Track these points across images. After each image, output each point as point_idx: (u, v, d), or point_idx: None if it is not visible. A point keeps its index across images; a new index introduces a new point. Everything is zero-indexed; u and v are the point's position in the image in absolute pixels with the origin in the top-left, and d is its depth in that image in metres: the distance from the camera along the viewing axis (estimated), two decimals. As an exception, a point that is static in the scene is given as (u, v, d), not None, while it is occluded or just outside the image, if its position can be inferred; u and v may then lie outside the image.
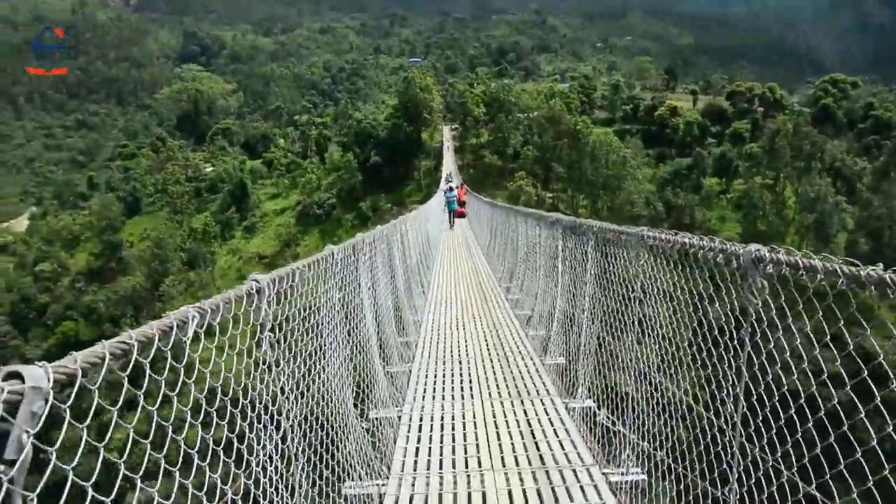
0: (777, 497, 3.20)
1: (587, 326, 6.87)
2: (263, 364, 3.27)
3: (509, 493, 5.01)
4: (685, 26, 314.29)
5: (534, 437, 6.05)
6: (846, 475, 2.62)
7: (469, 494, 5.00)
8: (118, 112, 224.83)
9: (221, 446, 2.62)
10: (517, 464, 5.50)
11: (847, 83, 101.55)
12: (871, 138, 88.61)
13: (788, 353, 3.12)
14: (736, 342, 3.51)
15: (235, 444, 2.76)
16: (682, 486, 4.37)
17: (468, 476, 5.34)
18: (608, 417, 5.92)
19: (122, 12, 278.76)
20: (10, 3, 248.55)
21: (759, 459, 3.37)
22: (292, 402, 3.72)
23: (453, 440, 6.17)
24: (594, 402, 6.56)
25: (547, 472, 5.27)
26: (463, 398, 7.42)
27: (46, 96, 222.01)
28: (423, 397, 7.53)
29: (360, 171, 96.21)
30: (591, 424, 6.33)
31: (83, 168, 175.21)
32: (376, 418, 6.40)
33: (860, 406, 2.52)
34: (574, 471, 5.27)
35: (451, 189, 39.58)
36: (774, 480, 3.21)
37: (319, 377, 4.43)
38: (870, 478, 2.53)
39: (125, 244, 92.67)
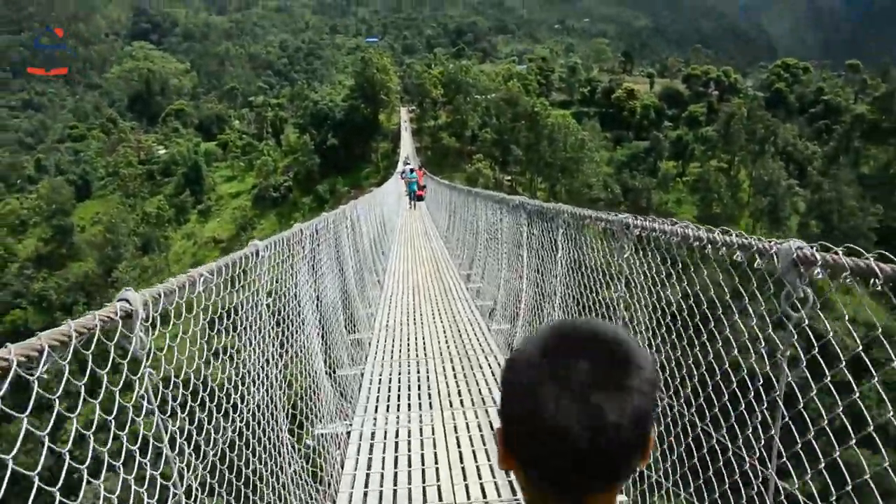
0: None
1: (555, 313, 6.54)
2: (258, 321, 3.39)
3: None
4: (642, 9, 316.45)
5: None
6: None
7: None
8: (66, 92, 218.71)
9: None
10: (483, 494, 4.79)
11: (799, 68, 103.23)
12: (822, 123, 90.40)
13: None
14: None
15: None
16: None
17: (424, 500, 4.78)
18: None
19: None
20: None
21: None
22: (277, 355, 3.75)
23: (409, 463, 5.41)
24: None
25: (514, 488, 4.69)
26: (420, 409, 6.64)
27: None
28: (377, 408, 6.64)
29: (317, 153, 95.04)
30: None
31: (31, 150, 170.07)
32: (321, 434, 5.64)
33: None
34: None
35: (411, 170, 39.38)
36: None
37: (297, 332, 4.57)
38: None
39: (76, 229, 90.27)
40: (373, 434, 6.10)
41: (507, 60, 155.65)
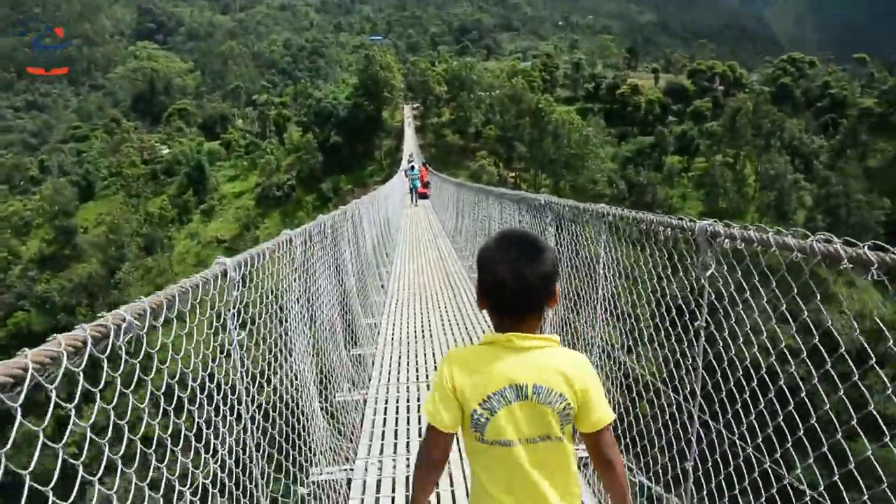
0: (733, 471, 3.36)
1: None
2: (227, 347, 3.22)
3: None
4: (646, 4, 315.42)
5: None
6: (805, 444, 2.69)
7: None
8: (70, 92, 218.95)
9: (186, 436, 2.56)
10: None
11: (805, 62, 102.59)
12: (828, 117, 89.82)
13: (748, 328, 3.21)
14: (688, 319, 3.52)
15: (200, 434, 2.70)
16: (643, 462, 4.30)
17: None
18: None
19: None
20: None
21: (717, 438, 3.46)
22: (254, 390, 3.54)
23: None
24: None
25: None
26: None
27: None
28: (381, 449, 6.02)
29: (320, 151, 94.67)
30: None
31: (35, 151, 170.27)
32: (315, 483, 5.26)
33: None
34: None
35: (412, 168, 38.97)
36: (731, 458, 3.34)
37: (285, 363, 4.33)
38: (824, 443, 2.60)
39: (79, 230, 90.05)
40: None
41: (511, 57, 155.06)
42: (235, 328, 3.36)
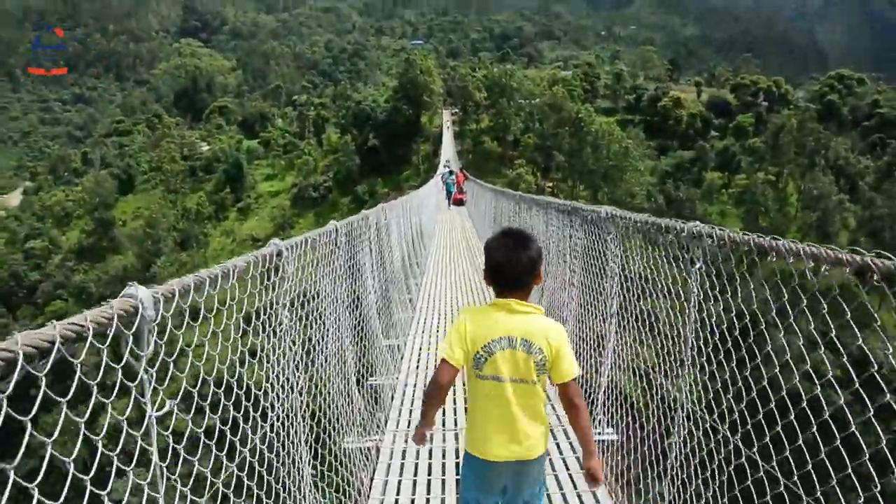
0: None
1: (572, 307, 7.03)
2: (278, 328, 3.57)
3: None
4: (690, 18, 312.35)
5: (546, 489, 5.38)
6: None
7: (456, 450, 5.27)
8: (116, 87, 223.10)
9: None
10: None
11: (853, 79, 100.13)
12: (876, 136, 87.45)
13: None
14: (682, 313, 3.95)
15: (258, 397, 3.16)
16: (638, 440, 4.73)
17: (456, 434, 5.79)
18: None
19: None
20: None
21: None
22: (301, 371, 3.95)
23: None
24: (616, 433, 5.66)
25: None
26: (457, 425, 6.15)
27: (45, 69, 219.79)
28: (409, 423, 6.47)
29: (358, 153, 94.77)
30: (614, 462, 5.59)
31: (79, 143, 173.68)
32: (372, 385, 6.69)
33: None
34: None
35: (450, 172, 38.59)
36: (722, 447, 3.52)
37: (326, 348, 4.76)
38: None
39: (117, 223, 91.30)
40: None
41: (552, 66, 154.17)
42: (286, 309, 3.76)
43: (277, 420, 3.45)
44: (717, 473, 3.56)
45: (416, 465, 5.44)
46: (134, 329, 1.93)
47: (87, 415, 1.79)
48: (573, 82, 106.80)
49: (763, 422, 3.13)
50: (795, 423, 2.81)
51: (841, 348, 2.57)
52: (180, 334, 2.32)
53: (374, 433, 6.05)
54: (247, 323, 3.24)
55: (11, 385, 1.42)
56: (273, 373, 3.56)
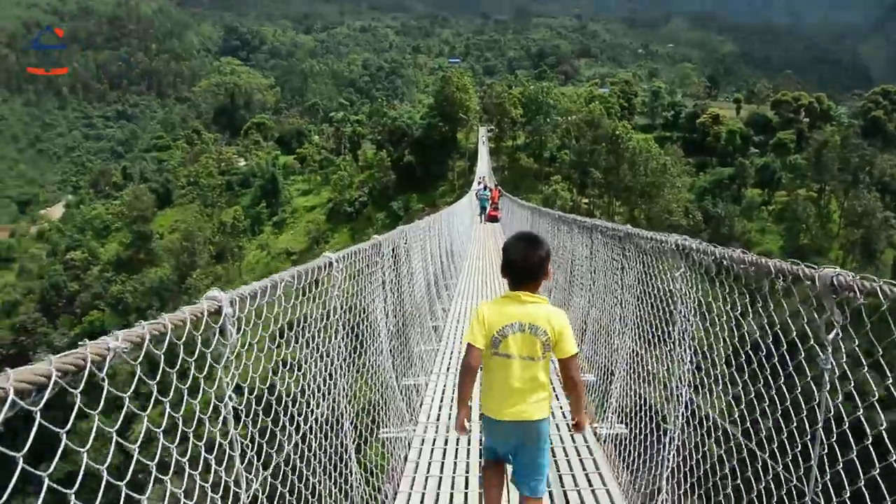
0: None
1: (623, 341, 6.26)
2: (330, 330, 4.05)
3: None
4: (728, 35, 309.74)
5: (557, 470, 5.33)
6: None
7: (481, 439, 5.21)
8: (157, 104, 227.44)
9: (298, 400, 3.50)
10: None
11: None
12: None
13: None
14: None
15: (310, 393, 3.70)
16: None
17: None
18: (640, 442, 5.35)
19: (164, 5, 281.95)
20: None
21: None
22: (345, 370, 4.42)
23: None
24: (625, 427, 5.79)
25: (565, 493, 4.97)
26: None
27: (89, 86, 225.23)
28: (446, 374, 7.91)
29: (393, 169, 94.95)
30: (621, 450, 5.68)
31: (121, 158, 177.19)
32: (406, 386, 6.90)
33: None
34: (594, 493, 4.96)
35: (484, 188, 38.22)
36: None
37: (370, 349, 5.38)
38: None
39: (155, 235, 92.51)
40: (445, 386, 7.78)
41: (589, 83, 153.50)
42: (340, 316, 4.28)
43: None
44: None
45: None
46: (220, 324, 2.42)
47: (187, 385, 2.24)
48: (610, 99, 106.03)
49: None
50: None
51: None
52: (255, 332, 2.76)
53: (407, 427, 6.34)
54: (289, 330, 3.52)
55: (163, 353, 1.90)
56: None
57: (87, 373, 1.57)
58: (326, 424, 3.89)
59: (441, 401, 7.36)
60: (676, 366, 4.58)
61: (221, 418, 2.44)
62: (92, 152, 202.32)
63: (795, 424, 2.96)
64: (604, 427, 6.08)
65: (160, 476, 1.91)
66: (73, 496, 1.44)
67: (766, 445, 3.28)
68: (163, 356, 1.92)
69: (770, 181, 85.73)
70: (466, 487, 5.09)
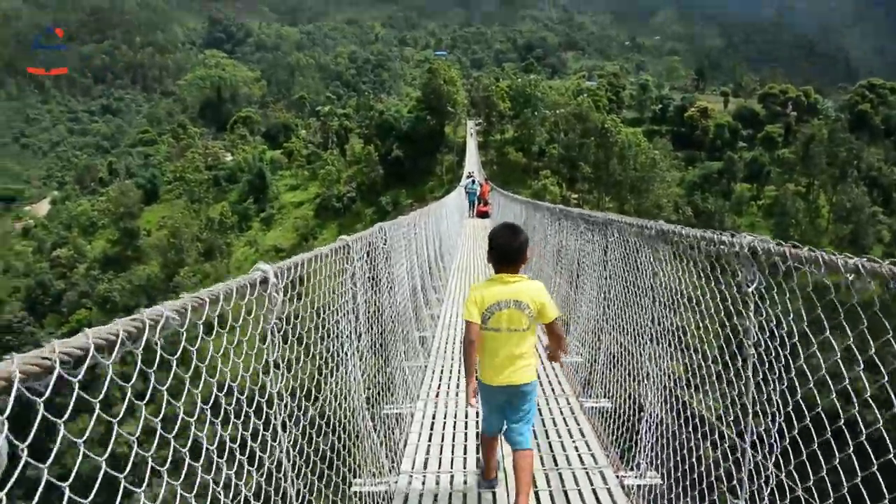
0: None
1: (606, 324, 6.81)
2: (271, 363, 2.99)
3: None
4: (715, 28, 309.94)
5: (547, 437, 5.92)
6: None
7: (479, 494, 4.87)
8: (143, 98, 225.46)
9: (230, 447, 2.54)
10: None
11: (885, 88, 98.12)
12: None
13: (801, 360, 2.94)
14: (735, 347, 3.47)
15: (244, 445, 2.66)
16: (695, 492, 4.35)
17: (478, 475, 5.17)
18: (625, 419, 5.80)
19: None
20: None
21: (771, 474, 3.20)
22: (301, 403, 3.47)
23: (465, 438, 6.01)
24: (610, 402, 6.32)
25: (560, 473, 5.18)
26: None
27: (73, 80, 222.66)
28: (435, 402, 7.10)
29: (381, 164, 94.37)
30: (607, 425, 6.14)
31: (107, 153, 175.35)
32: (387, 415, 6.16)
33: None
34: (587, 473, 5.16)
35: (473, 182, 37.87)
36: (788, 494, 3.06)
37: (332, 376, 4.30)
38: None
39: (142, 232, 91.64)
40: (433, 415, 6.70)
41: (576, 76, 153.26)
42: (278, 338, 3.11)
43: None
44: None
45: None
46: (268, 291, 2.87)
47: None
48: (598, 92, 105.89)
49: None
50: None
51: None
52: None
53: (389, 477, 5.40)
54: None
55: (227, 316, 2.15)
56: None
57: (145, 335, 1.71)
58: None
59: (430, 439, 5.99)
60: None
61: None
62: (77, 147, 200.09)
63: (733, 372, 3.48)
64: (591, 401, 6.70)
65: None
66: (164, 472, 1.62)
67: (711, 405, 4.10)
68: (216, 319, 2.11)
69: (759, 175, 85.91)
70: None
